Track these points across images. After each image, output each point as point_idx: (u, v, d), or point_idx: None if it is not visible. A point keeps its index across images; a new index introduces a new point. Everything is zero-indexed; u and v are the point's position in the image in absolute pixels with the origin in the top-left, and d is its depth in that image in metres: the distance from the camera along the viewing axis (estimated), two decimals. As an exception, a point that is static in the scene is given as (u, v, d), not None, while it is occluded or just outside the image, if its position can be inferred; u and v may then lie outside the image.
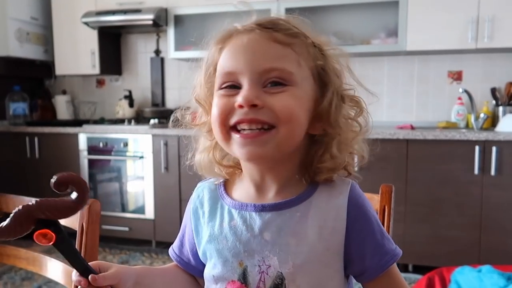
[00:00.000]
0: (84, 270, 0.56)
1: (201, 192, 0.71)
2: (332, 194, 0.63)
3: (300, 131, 0.60)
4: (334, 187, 0.64)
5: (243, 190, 0.67)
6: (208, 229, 0.67)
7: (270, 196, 0.64)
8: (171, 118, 0.70)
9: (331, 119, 0.61)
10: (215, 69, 0.63)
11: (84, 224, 0.74)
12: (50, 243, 0.52)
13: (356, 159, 0.67)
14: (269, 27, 0.60)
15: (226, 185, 0.70)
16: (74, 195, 0.53)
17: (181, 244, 0.73)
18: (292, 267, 0.60)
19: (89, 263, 0.58)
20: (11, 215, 0.51)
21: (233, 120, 0.59)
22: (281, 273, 0.60)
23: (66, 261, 0.81)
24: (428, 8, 2.58)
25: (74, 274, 0.58)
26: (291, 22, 0.61)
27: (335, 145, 0.62)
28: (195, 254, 0.70)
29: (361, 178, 0.66)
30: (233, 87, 0.59)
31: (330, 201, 0.63)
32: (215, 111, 0.61)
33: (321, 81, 0.62)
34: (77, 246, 0.76)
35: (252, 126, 0.58)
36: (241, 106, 0.57)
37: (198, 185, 0.73)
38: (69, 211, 0.53)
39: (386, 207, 0.86)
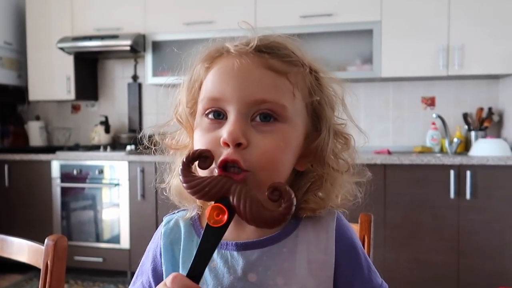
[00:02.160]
0: (199, 277, 0.49)
1: (174, 227, 0.63)
2: (318, 227, 0.59)
3: (284, 174, 0.56)
4: (319, 219, 0.59)
5: None
6: (183, 272, 0.58)
7: (251, 231, 0.58)
8: (147, 140, 0.64)
9: (321, 157, 0.57)
10: (199, 87, 0.58)
11: (49, 262, 0.69)
12: (215, 224, 0.49)
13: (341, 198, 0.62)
14: (264, 51, 0.54)
15: (200, 218, 0.62)
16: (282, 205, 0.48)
17: None
18: None
19: None
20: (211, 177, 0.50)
21: (219, 159, 0.52)
22: None
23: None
24: (401, 37, 2.67)
25: (185, 279, 0.48)
26: (289, 47, 0.56)
27: (322, 186, 0.58)
28: None
29: (347, 212, 0.63)
30: (218, 114, 0.54)
31: (317, 234, 0.58)
32: (198, 146, 0.55)
33: (315, 115, 0.57)
34: (40, 286, 0.70)
35: (231, 166, 0.52)
36: (226, 144, 0.51)
37: (167, 218, 0.65)
38: (270, 220, 0.48)
39: (366, 236, 0.85)
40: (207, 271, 0.57)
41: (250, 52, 0.54)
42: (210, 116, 0.55)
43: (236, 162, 0.51)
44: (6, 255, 0.77)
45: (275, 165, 0.53)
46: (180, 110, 0.61)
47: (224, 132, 0.52)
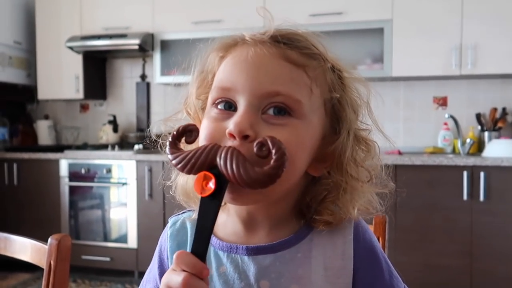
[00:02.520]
0: (203, 254, 0.45)
1: (181, 228, 0.59)
2: (334, 230, 0.54)
3: (295, 174, 0.51)
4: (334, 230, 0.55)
5: (229, 226, 0.56)
6: None
7: (262, 235, 0.54)
8: (155, 136, 0.61)
9: (339, 163, 0.52)
10: (212, 79, 0.54)
11: (52, 262, 0.67)
12: (205, 194, 0.45)
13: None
14: (282, 42, 0.50)
15: None
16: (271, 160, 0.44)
17: None
18: None
19: None
20: (207, 146, 0.46)
21: None
22: None
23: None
24: (412, 35, 2.62)
25: (189, 255, 0.45)
26: (309, 39, 0.52)
27: (339, 196, 0.53)
28: None
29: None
30: (228, 105, 0.50)
31: (334, 238, 0.54)
32: (202, 136, 0.51)
33: (335, 116, 0.52)
34: (43, 286, 0.68)
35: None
36: (231, 135, 0.47)
37: (173, 219, 0.61)
38: (262, 177, 0.44)
39: (381, 239, 0.82)
40: (215, 276, 0.54)
41: (267, 41, 0.50)
42: (220, 106, 0.51)
43: None
44: (9, 254, 0.76)
45: (290, 161, 0.48)
46: (189, 102, 0.57)
47: (231, 123, 0.48)
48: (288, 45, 0.50)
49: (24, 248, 0.74)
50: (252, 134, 0.47)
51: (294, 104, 0.49)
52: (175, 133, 0.48)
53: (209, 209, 0.45)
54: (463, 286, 2.33)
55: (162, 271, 0.59)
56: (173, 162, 0.47)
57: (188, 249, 0.56)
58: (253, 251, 0.53)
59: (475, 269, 2.34)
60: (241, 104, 0.49)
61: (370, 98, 0.56)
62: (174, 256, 0.45)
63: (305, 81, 0.50)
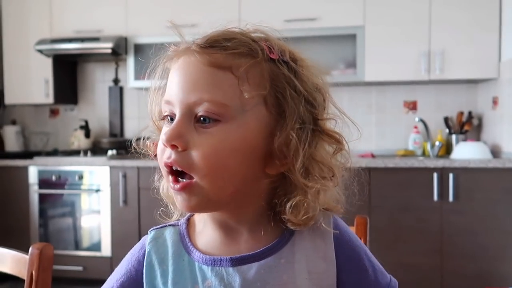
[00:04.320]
0: None
1: (161, 244, 0.56)
2: (315, 232, 0.54)
3: (233, 178, 0.49)
4: (316, 224, 0.54)
5: (209, 236, 0.55)
6: None
7: (243, 242, 0.54)
8: (132, 144, 0.59)
9: (290, 159, 0.50)
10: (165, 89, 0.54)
11: (33, 272, 0.65)
12: None
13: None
14: (208, 46, 0.50)
15: (189, 232, 0.57)
16: None
17: None
18: None
19: None
20: None
21: (165, 160, 0.50)
22: None
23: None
24: (384, 41, 2.70)
25: None
26: (240, 37, 0.51)
27: (300, 194, 0.51)
28: None
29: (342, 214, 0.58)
30: (171, 118, 0.51)
31: (315, 240, 0.54)
32: (158, 144, 0.52)
33: (280, 110, 0.50)
34: (24, 298, 0.66)
35: (174, 168, 0.50)
36: (165, 145, 0.49)
37: (152, 234, 0.58)
38: None
39: (362, 239, 0.84)
40: None
41: (194, 49, 0.50)
42: (167, 120, 0.52)
43: (172, 165, 0.49)
44: (-14, 265, 0.73)
45: (217, 170, 0.48)
46: (151, 114, 0.58)
47: (162, 134, 0.49)
48: (213, 48, 0.50)
49: (2, 258, 0.71)
50: (181, 144, 0.48)
51: (219, 108, 0.48)
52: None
53: None
54: (434, 284, 2.41)
55: (124, 282, 0.57)
56: None
57: (170, 266, 0.55)
58: (237, 261, 0.52)
59: (445, 267, 2.42)
60: (176, 115, 0.50)
61: (327, 89, 0.55)
62: None
63: (229, 82, 0.49)
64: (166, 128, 0.51)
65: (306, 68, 0.53)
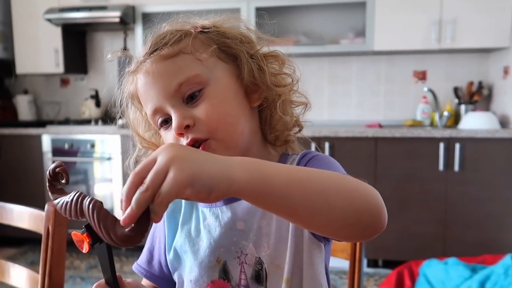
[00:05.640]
0: (114, 282, 0.51)
1: None
2: (292, 163, 0.63)
3: (239, 121, 0.60)
4: (293, 159, 0.64)
5: None
6: (183, 233, 0.65)
7: None
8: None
9: (261, 84, 0.61)
10: (138, 100, 0.63)
11: (50, 227, 0.70)
12: (85, 251, 0.45)
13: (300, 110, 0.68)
14: (153, 51, 0.59)
15: None
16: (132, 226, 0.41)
17: (151, 257, 0.70)
18: (268, 249, 0.60)
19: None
20: (73, 197, 0.44)
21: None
22: (259, 258, 0.60)
23: (30, 267, 0.77)
24: (394, 9, 2.65)
25: (100, 284, 0.52)
26: (170, 30, 0.61)
27: (278, 107, 0.62)
28: (167, 265, 0.68)
29: (312, 123, 0.69)
30: (165, 121, 0.60)
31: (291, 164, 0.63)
32: None
33: (231, 56, 0.61)
34: (42, 251, 0.72)
35: (196, 144, 0.58)
36: (180, 134, 0.58)
37: None
38: (124, 239, 0.41)
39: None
40: (202, 229, 0.64)
41: (145, 60, 0.60)
42: (163, 125, 0.61)
43: (195, 141, 0.57)
44: (6, 222, 0.78)
45: (224, 119, 0.58)
46: (142, 141, 0.69)
47: (173, 128, 0.58)
48: (159, 49, 0.59)
49: (21, 216, 0.76)
50: (190, 121, 0.57)
51: (195, 79, 0.58)
52: (49, 178, 0.49)
53: (101, 253, 0.47)
54: (437, 251, 2.46)
55: (170, 223, 0.69)
56: (57, 208, 0.47)
57: (182, 212, 0.67)
58: (228, 200, 0.62)
59: (448, 235, 2.47)
60: (169, 110, 0.59)
61: (242, 26, 0.65)
62: (94, 286, 0.52)
63: (188, 59, 0.58)
64: (165, 131, 0.61)
65: (226, 28, 0.63)
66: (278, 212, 0.47)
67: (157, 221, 0.41)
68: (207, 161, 0.41)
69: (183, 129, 0.57)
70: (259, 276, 0.60)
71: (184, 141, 0.58)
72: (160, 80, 0.58)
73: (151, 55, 0.59)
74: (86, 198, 0.43)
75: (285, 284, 0.59)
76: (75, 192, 0.45)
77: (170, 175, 0.39)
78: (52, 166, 0.48)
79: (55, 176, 0.48)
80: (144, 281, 0.71)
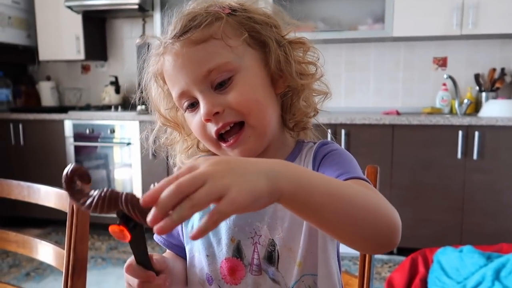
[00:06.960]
0: (149, 265, 0.54)
1: None
2: (308, 151, 0.65)
3: (268, 107, 0.61)
4: (311, 147, 0.66)
5: None
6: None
7: None
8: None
9: (287, 73, 0.61)
10: (163, 79, 0.64)
11: (74, 205, 0.75)
12: (125, 240, 0.46)
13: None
14: (182, 34, 0.59)
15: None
16: None
17: None
18: (282, 232, 0.61)
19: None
20: (98, 194, 0.44)
21: (212, 133, 0.61)
22: (272, 239, 0.61)
23: (56, 244, 0.82)
24: (414, -6, 2.60)
25: (137, 267, 0.53)
26: (199, 12, 0.60)
27: (301, 96, 0.64)
28: (182, 235, 0.70)
29: (329, 111, 0.70)
30: (192, 104, 0.61)
31: (306, 158, 0.65)
32: (194, 130, 0.63)
33: (260, 43, 0.61)
34: (67, 227, 0.76)
35: (227, 128, 0.60)
36: (208, 120, 0.59)
37: (196, 158, 0.71)
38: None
39: (372, 187, 0.87)
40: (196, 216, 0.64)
41: (174, 42, 0.59)
42: (189, 108, 0.62)
43: (225, 126, 0.59)
44: (34, 201, 0.83)
45: (256, 105, 0.60)
46: (161, 118, 0.69)
47: (201, 113, 0.59)
48: (189, 32, 0.59)
49: (47, 195, 0.81)
50: (220, 108, 0.58)
51: (226, 67, 0.58)
52: (64, 180, 0.46)
53: (137, 238, 0.47)
54: (453, 239, 2.45)
55: None
56: (83, 208, 0.45)
57: None
58: None
59: (465, 224, 2.45)
60: (198, 95, 0.60)
61: (273, 13, 0.64)
62: (125, 267, 0.54)
63: (219, 45, 0.58)
64: (191, 113, 0.62)
65: (253, 10, 0.63)
66: (305, 218, 0.48)
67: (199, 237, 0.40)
68: (257, 173, 0.40)
69: (212, 116, 0.58)
70: (271, 257, 0.62)
71: (212, 126, 0.60)
72: (189, 65, 0.58)
73: (180, 37, 0.59)
74: (118, 192, 0.44)
75: (298, 267, 0.61)
76: (100, 189, 0.44)
77: (230, 196, 0.38)
78: (69, 169, 0.45)
79: (72, 177, 0.46)
80: (167, 252, 0.73)
